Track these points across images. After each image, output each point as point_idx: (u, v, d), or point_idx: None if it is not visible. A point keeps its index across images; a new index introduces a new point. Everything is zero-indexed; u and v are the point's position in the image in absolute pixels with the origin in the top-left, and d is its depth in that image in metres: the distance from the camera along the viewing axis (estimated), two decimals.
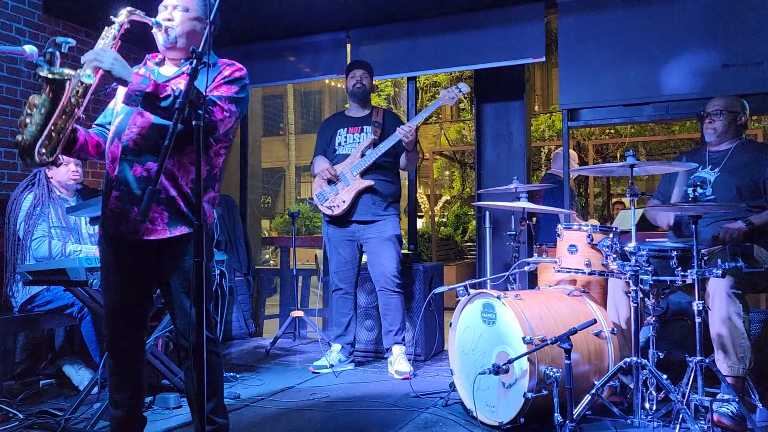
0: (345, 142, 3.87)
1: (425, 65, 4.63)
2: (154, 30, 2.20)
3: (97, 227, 3.46)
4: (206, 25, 2.28)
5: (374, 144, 3.77)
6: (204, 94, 1.88)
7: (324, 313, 5.17)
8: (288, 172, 19.56)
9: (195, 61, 1.75)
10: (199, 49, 1.78)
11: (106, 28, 2.10)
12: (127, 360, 2.24)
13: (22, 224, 3.31)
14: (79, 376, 3.41)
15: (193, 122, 1.73)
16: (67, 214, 3.37)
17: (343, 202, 3.74)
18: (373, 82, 4.10)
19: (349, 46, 4.83)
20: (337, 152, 3.86)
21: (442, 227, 10.91)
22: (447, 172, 14.07)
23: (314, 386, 3.47)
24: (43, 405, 3.08)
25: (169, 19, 2.20)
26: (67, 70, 1.92)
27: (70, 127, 2.01)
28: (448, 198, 12.70)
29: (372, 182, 3.74)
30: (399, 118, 4.15)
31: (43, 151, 1.96)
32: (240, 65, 2.26)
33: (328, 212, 3.80)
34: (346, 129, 3.90)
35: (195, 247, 1.68)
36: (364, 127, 3.87)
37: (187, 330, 2.09)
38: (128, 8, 2.11)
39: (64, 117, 1.97)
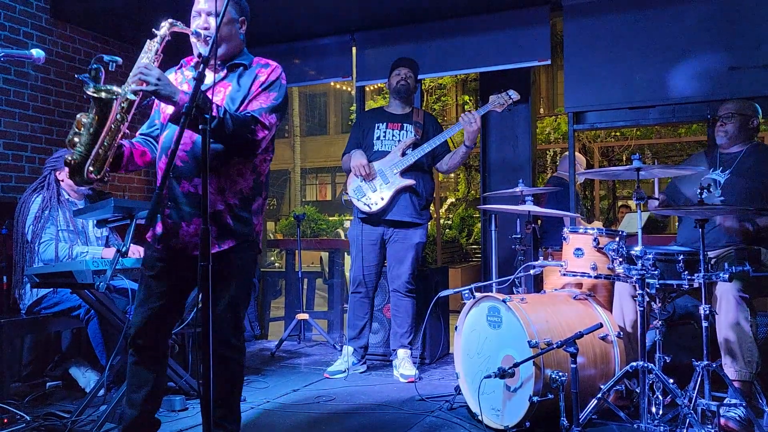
0: (384, 137, 3.82)
1: (431, 68, 4.63)
2: (193, 39, 2.19)
3: (104, 230, 3.48)
4: (242, 25, 2.31)
5: (414, 144, 3.73)
6: (210, 99, 1.86)
7: (329, 315, 5.17)
8: (293, 175, 19.60)
9: (202, 65, 1.75)
10: (206, 54, 1.78)
11: (147, 41, 2.10)
12: (150, 361, 2.25)
13: (30, 227, 3.32)
14: (86, 378, 3.42)
15: (200, 126, 1.73)
16: (74, 217, 3.38)
17: (381, 199, 3.69)
18: (417, 80, 4.07)
19: (354, 49, 4.84)
20: (375, 147, 3.80)
21: (447, 230, 10.90)
22: (452, 175, 14.06)
23: (319, 389, 3.47)
24: (49, 407, 3.10)
25: (205, 27, 2.18)
26: (114, 88, 1.94)
27: (116, 144, 2.04)
28: (453, 201, 12.69)
29: (413, 181, 3.70)
30: (438, 120, 4.13)
31: (92, 169, 1.98)
32: (275, 64, 2.26)
33: (365, 209, 3.73)
34: (385, 124, 3.85)
35: (201, 250, 1.68)
36: (405, 124, 3.82)
37: (222, 337, 2.10)
38: (169, 21, 2.11)
39: (110, 134, 1.99)
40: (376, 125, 3.86)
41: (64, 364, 3.57)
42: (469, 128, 3.58)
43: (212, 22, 2.19)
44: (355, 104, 5.31)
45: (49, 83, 4.40)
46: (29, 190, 3.47)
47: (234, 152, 2.14)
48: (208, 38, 2.17)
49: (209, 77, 2.20)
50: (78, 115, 1.99)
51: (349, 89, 12.97)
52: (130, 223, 2.73)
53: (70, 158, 1.97)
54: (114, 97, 1.93)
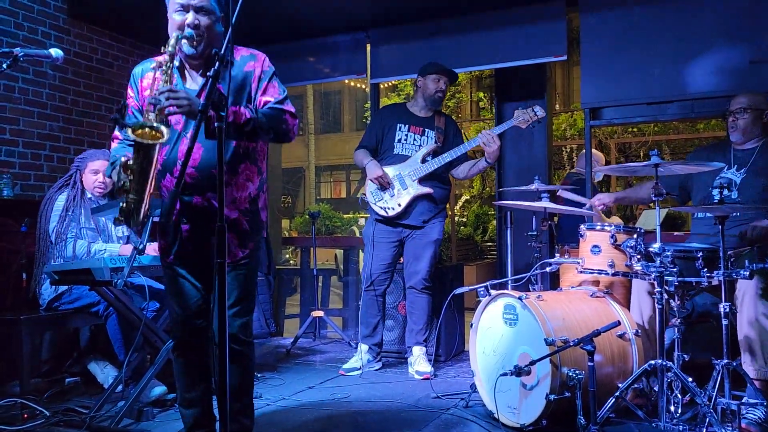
0: (405, 140, 3.80)
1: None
2: (183, 41, 2.05)
3: (125, 228, 3.50)
4: (224, 23, 2.18)
5: (435, 152, 3.73)
6: (225, 97, 1.81)
7: (344, 312, 5.18)
8: (308, 172, 19.65)
9: (218, 63, 1.75)
10: (222, 51, 1.77)
11: (158, 61, 2.02)
12: (198, 358, 2.26)
13: (55, 227, 3.35)
14: (104, 374, 3.45)
15: (216, 124, 1.74)
16: (92, 215, 3.41)
17: (399, 205, 3.71)
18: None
19: (368, 46, 4.83)
20: (395, 150, 3.79)
21: (462, 227, 10.87)
22: None
23: (335, 386, 3.48)
24: (68, 403, 3.14)
25: (195, 26, 2.05)
26: (159, 126, 1.85)
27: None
28: (468, 198, 12.64)
29: (431, 190, 3.71)
30: (459, 126, 4.11)
31: (146, 207, 1.96)
32: (257, 52, 2.22)
33: (382, 213, 3.74)
34: (408, 126, 3.82)
35: (218, 248, 1.68)
36: (426, 130, 3.81)
37: (230, 332, 2.12)
38: (175, 34, 2.01)
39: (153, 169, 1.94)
40: (398, 126, 3.83)
41: (82, 360, 3.61)
42: (489, 149, 3.56)
43: (202, 21, 2.07)
44: (369, 102, 5.30)
45: (67, 82, 4.44)
46: (55, 187, 3.50)
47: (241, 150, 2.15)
48: (198, 38, 2.06)
49: (195, 80, 2.16)
50: (122, 158, 1.91)
51: (364, 87, 12.96)
52: (147, 220, 2.75)
53: (125, 205, 1.91)
54: (158, 141, 1.84)
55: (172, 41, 2.00)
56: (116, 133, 2.27)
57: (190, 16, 2.06)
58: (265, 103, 2.15)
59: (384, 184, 3.71)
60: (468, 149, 3.72)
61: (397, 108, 4.05)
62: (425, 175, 3.70)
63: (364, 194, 3.83)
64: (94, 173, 3.47)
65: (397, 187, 3.72)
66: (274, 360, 4.21)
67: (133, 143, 2.12)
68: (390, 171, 3.74)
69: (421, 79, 3.87)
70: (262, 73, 2.18)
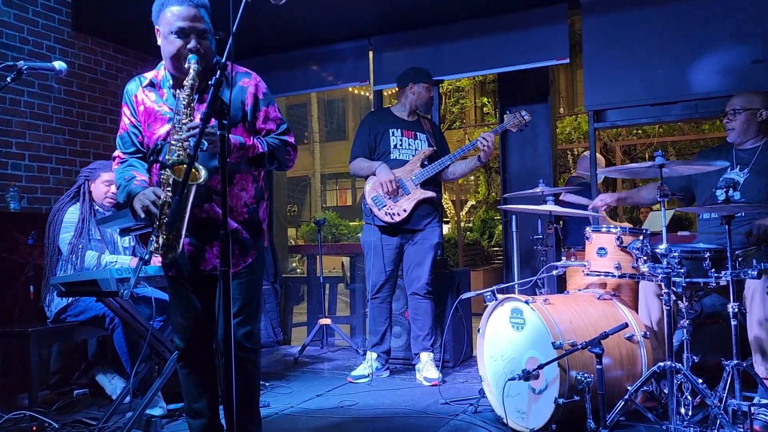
0: (400, 145, 3.80)
1: (448, 70, 4.61)
2: (188, 65, 2.02)
3: (131, 239, 3.51)
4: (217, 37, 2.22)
5: (431, 156, 3.77)
6: (227, 106, 1.80)
7: (351, 320, 5.17)
8: (313, 180, 19.68)
9: (219, 72, 1.76)
10: (223, 60, 1.78)
11: (178, 92, 2.04)
12: (203, 368, 2.27)
13: (70, 238, 3.34)
14: (112, 385, 3.46)
15: (219, 132, 1.74)
16: (98, 226, 3.42)
17: (404, 210, 3.69)
18: None
19: (371, 53, 4.84)
20: (392, 155, 3.78)
21: (468, 232, 10.85)
22: (472, 177, 14.00)
23: (343, 394, 3.47)
24: (77, 414, 3.14)
25: (197, 50, 2.05)
26: (197, 166, 1.90)
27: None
28: (474, 203, 12.64)
29: (434, 194, 3.73)
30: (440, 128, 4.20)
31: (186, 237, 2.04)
32: (254, 74, 2.23)
33: (387, 219, 3.70)
34: (400, 131, 3.82)
35: (222, 256, 1.69)
36: (418, 133, 3.84)
37: (235, 340, 2.13)
38: (192, 64, 2.01)
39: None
40: (391, 131, 3.82)
41: (90, 371, 3.62)
42: (486, 150, 3.67)
43: (203, 43, 2.07)
44: (373, 109, 5.31)
45: (72, 95, 4.47)
46: (64, 199, 3.50)
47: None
48: (199, 61, 2.04)
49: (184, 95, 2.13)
50: (162, 197, 1.96)
51: (367, 94, 13.00)
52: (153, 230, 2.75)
53: (164, 241, 1.94)
54: (198, 180, 1.89)
55: (191, 74, 2.00)
56: (117, 152, 2.28)
57: (192, 42, 2.06)
58: (268, 131, 2.22)
59: (394, 189, 3.68)
60: (465, 152, 3.78)
61: (384, 114, 4.02)
62: (427, 179, 3.72)
63: (365, 200, 3.80)
64: (107, 184, 3.48)
65: (401, 193, 3.72)
66: (282, 368, 4.21)
67: (137, 166, 2.20)
68: None
69: (414, 85, 3.87)
70: (260, 93, 2.21)
